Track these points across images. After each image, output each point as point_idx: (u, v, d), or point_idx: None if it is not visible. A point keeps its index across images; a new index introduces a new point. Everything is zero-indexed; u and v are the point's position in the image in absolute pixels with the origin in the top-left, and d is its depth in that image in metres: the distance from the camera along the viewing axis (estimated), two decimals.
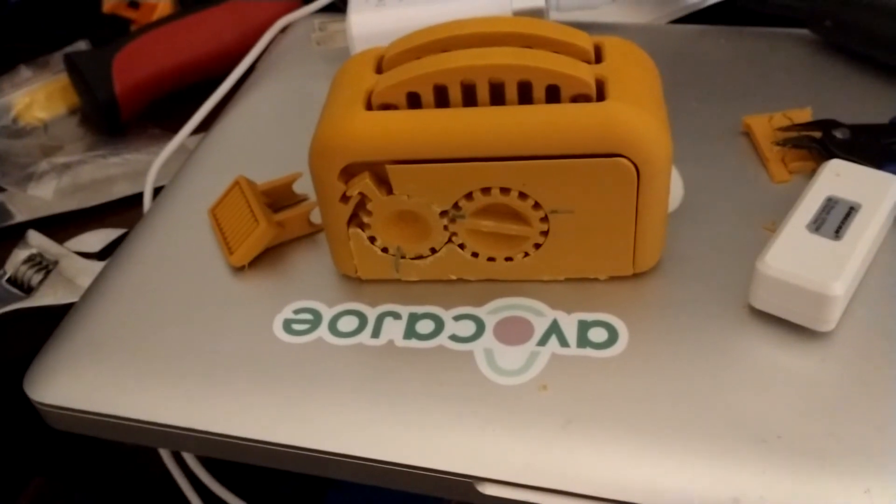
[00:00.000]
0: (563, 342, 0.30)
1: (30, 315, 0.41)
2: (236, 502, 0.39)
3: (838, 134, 0.35)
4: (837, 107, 0.37)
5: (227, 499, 0.39)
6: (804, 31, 0.43)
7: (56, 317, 0.35)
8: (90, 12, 0.59)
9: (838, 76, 0.40)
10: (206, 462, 0.39)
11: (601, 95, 0.28)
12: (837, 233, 0.29)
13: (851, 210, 0.30)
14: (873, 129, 0.35)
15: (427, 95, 0.29)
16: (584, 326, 0.30)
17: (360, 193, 0.30)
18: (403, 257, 0.32)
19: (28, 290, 0.41)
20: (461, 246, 0.31)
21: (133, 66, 0.50)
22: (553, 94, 0.28)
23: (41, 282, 0.41)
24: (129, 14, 0.58)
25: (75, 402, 0.31)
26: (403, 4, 0.43)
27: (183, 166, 0.41)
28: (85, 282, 0.40)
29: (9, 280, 0.42)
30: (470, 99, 0.29)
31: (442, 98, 0.29)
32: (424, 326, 0.31)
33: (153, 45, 0.51)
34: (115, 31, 0.55)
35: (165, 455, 0.39)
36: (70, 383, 0.31)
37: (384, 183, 0.30)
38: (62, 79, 0.53)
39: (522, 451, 0.27)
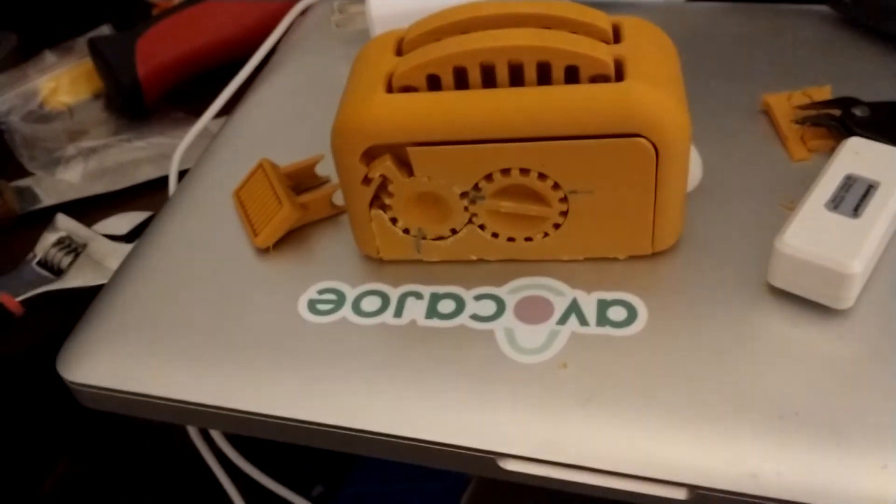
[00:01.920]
0: (583, 321, 0.30)
1: (60, 297, 0.41)
2: (263, 479, 0.40)
3: (858, 112, 0.35)
4: (857, 84, 0.37)
5: (254, 475, 0.40)
6: (823, 8, 0.43)
7: (86, 299, 0.35)
8: None
9: (858, 53, 0.40)
10: (233, 439, 0.40)
11: (620, 76, 0.29)
12: (856, 211, 0.29)
13: (870, 188, 0.30)
14: (893, 107, 0.35)
15: (447, 77, 0.29)
16: (603, 305, 0.30)
17: (382, 175, 0.30)
18: (425, 238, 0.32)
19: (58, 272, 0.42)
20: (481, 226, 0.31)
21: (156, 51, 0.51)
22: (572, 75, 0.29)
23: (70, 264, 0.42)
24: None
25: (106, 381, 0.31)
26: None
27: (207, 149, 0.41)
28: (113, 264, 0.41)
29: (39, 263, 0.43)
30: (489, 80, 0.29)
31: (462, 80, 0.29)
32: (446, 306, 0.31)
33: (175, 30, 0.52)
34: (139, 16, 0.55)
35: (193, 432, 0.40)
36: (101, 363, 0.32)
37: (405, 165, 0.30)
38: (86, 63, 0.54)
39: (543, 427, 0.28)
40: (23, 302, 0.41)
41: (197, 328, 0.32)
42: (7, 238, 0.46)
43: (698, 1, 0.47)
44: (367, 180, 0.30)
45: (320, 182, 0.37)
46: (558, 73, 0.29)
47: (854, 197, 0.30)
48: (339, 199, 0.35)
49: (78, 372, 0.32)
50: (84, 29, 0.57)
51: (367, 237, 0.32)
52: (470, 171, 0.30)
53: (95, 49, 0.52)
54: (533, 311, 0.31)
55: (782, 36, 0.42)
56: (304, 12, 0.50)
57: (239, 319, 0.32)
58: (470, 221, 0.31)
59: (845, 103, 0.35)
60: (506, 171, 0.29)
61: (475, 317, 0.31)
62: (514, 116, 0.28)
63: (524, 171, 0.29)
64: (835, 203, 0.30)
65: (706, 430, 0.27)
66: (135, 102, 0.51)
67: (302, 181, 0.37)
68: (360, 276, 0.33)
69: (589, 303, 0.31)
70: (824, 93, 0.37)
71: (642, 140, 0.28)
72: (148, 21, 0.52)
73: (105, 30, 0.57)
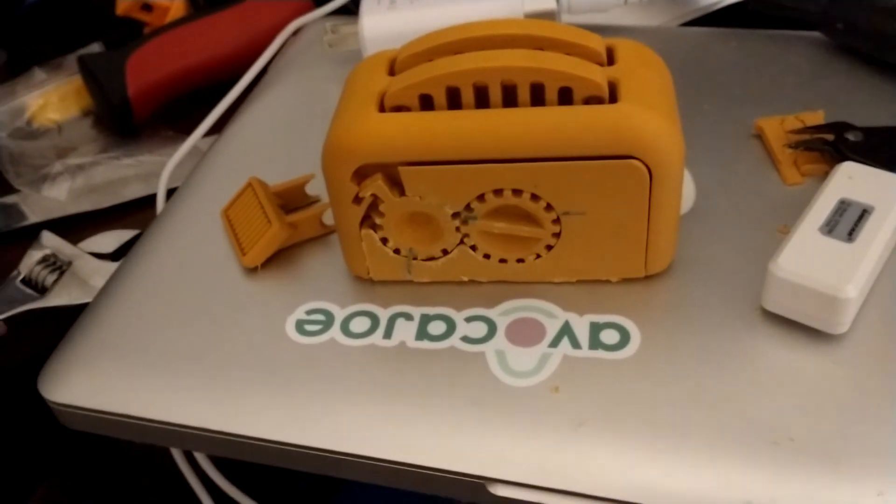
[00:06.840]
0: (575, 344, 0.30)
1: (44, 315, 0.41)
2: (248, 502, 0.40)
3: (851, 136, 0.35)
4: (850, 109, 0.37)
5: (239, 499, 0.39)
6: (816, 34, 0.43)
7: (70, 317, 0.35)
8: (104, 15, 0.59)
9: (850, 79, 0.40)
10: (218, 462, 0.39)
11: (613, 97, 0.28)
12: (850, 235, 0.29)
13: (864, 212, 0.30)
14: (886, 132, 0.35)
15: (439, 97, 0.29)
16: (595, 328, 0.30)
17: (373, 195, 0.30)
18: (415, 258, 0.32)
19: (42, 290, 0.42)
20: (473, 247, 0.31)
21: (146, 69, 0.51)
22: (565, 96, 0.29)
23: (55, 282, 0.41)
24: (143, 16, 0.58)
25: (88, 401, 0.31)
26: (415, 7, 0.43)
27: (196, 168, 0.41)
28: (98, 282, 0.40)
29: (23, 280, 0.42)
30: (482, 101, 0.29)
31: (454, 100, 0.29)
32: (436, 328, 0.31)
33: (166, 48, 0.52)
34: (129, 34, 0.55)
35: (177, 455, 0.39)
36: (83, 383, 0.31)
37: (396, 184, 0.30)
38: (76, 81, 0.54)
39: (534, 452, 0.27)
40: (6, 320, 0.40)
41: (182, 348, 0.31)
42: None
43: (693, 26, 0.48)
44: (357, 199, 0.30)
45: (310, 201, 0.37)
46: (552, 94, 0.28)
47: (848, 221, 0.30)
48: (329, 218, 0.35)
49: (59, 392, 0.31)
50: (74, 46, 0.57)
51: (356, 257, 0.32)
52: (462, 192, 0.29)
53: (85, 67, 0.51)
54: (525, 333, 0.30)
55: (776, 61, 0.42)
56: (296, 32, 0.50)
57: (225, 339, 0.31)
58: (461, 242, 0.31)
59: (838, 128, 0.35)
60: (498, 192, 0.29)
61: (466, 339, 0.30)
62: (507, 137, 0.28)
63: (517, 192, 0.29)
64: (829, 227, 0.30)
65: (699, 455, 0.26)
66: (124, 120, 0.51)
67: (292, 200, 0.36)
68: (349, 296, 0.32)
69: (581, 325, 0.30)
70: (817, 117, 0.37)
71: (636, 162, 0.28)
72: (138, 39, 0.52)
73: (95, 48, 0.57)
